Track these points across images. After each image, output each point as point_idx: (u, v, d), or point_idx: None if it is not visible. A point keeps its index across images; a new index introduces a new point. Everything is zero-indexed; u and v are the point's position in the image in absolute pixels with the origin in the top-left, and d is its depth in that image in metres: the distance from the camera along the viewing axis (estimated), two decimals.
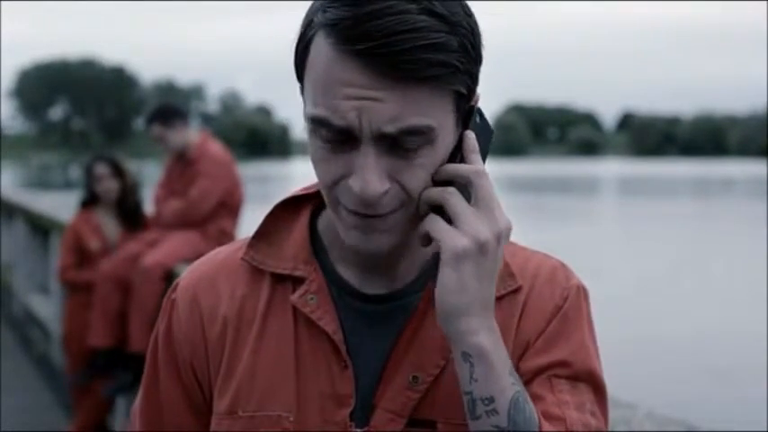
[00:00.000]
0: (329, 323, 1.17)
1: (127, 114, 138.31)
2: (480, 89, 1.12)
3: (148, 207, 5.86)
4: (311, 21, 1.08)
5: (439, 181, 1.10)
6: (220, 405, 1.20)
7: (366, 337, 1.18)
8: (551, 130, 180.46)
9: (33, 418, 6.76)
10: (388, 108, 1.03)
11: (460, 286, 1.06)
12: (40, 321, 8.36)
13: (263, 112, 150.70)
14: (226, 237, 5.32)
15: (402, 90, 1.03)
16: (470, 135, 1.12)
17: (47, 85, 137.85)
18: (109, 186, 5.73)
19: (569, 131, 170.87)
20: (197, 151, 5.47)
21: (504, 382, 1.07)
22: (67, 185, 31.83)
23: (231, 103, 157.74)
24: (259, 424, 1.17)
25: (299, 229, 1.24)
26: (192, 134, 5.57)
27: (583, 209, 36.45)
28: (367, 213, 1.08)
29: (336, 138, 1.06)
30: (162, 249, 5.30)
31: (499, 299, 1.14)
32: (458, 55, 1.05)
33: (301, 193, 1.26)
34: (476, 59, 1.08)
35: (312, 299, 1.19)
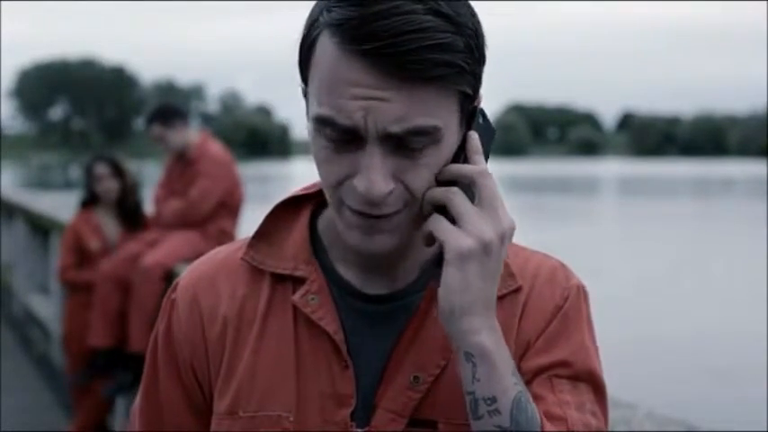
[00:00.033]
0: (330, 323, 1.17)
1: (127, 114, 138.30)
2: (481, 89, 1.13)
3: (148, 207, 5.86)
4: (316, 20, 1.07)
5: (442, 181, 1.10)
6: (220, 405, 1.20)
7: (367, 338, 1.18)
8: (551, 130, 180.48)
9: (33, 418, 6.76)
10: (395, 108, 1.03)
11: (464, 286, 1.07)
12: (40, 321, 8.36)
13: (263, 112, 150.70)
14: (226, 237, 5.32)
15: (408, 90, 1.03)
16: (474, 136, 1.12)
17: (47, 85, 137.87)
18: (109, 186, 5.73)
19: (569, 131, 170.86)
20: (197, 151, 5.47)
21: (507, 382, 1.07)
22: (67, 185, 31.82)
23: (231, 103, 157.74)
24: (259, 424, 1.17)
25: (299, 229, 1.24)
26: (191, 134, 5.57)
27: (583, 209, 36.45)
28: (371, 213, 1.08)
29: (341, 137, 1.06)
30: (162, 249, 5.30)
31: (500, 299, 1.14)
32: (464, 55, 1.05)
33: (301, 193, 1.26)
34: (480, 60, 1.09)
35: (313, 299, 1.18)
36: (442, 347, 1.15)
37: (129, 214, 5.78)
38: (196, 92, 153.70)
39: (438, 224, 1.09)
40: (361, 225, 1.09)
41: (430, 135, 1.06)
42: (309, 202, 1.25)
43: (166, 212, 5.52)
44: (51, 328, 7.71)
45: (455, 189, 1.09)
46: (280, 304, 1.20)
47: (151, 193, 5.79)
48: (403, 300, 1.19)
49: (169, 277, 5.05)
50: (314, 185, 1.25)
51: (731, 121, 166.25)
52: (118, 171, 5.76)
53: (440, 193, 1.09)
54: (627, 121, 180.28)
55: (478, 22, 1.09)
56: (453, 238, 1.07)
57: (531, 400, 1.09)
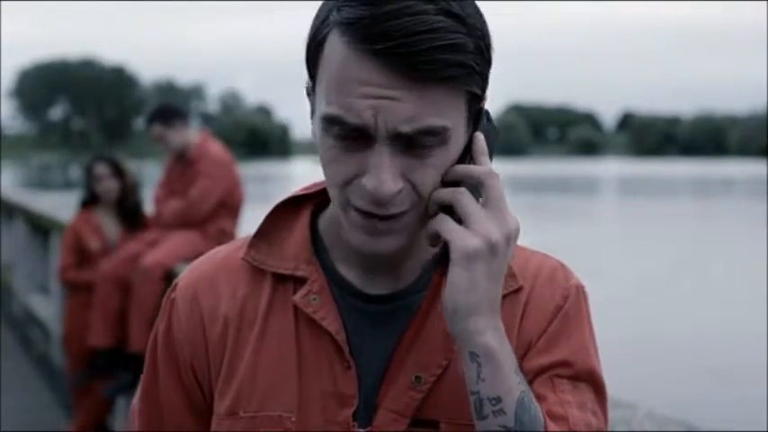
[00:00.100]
0: (332, 323, 1.17)
1: (127, 114, 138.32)
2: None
3: (148, 207, 5.86)
4: (325, 19, 1.07)
5: (448, 181, 1.10)
6: (221, 405, 1.20)
7: (369, 337, 1.18)
8: (551, 130, 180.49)
9: (33, 418, 6.76)
10: (406, 108, 1.03)
11: (471, 286, 1.07)
12: (40, 321, 8.36)
13: (263, 112, 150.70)
14: (226, 237, 5.32)
15: (419, 90, 1.03)
16: (480, 137, 1.13)
17: (47, 85, 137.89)
18: (109, 186, 5.73)
19: (569, 131, 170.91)
20: (197, 151, 5.47)
21: (511, 382, 1.07)
22: (67, 185, 31.83)
23: (231, 103, 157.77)
24: (260, 424, 1.17)
25: (299, 228, 1.23)
26: (192, 134, 5.58)
27: (583, 209, 36.46)
28: (378, 213, 1.08)
29: (349, 136, 1.06)
30: (162, 249, 5.30)
31: (501, 299, 1.14)
32: (474, 56, 1.05)
33: (302, 192, 1.26)
34: (488, 61, 1.09)
35: (315, 299, 1.18)
36: (444, 347, 1.15)
37: (129, 214, 5.78)
38: (196, 92, 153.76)
39: (444, 224, 1.09)
40: (366, 225, 1.09)
41: (439, 135, 1.06)
42: (310, 201, 1.25)
43: (166, 212, 5.52)
44: (51, 328, 7.72)
45: (462, 189, 1.09)
46: (281, 304, 1.20)
47: (151, 193, 5.79)
48: (404, 300, 1.18)
49: (169, 277, 5.05)
50: (314, 185, 1.25)
51: (731, 121, 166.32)
52: (118, 171, 5.76)
53: (447, 193, 1.09)
54: (627, 121, 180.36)
55: (485, 23, 1.09)
56: (460, 238, 1.07)
57: (534, 399, 1.09)
